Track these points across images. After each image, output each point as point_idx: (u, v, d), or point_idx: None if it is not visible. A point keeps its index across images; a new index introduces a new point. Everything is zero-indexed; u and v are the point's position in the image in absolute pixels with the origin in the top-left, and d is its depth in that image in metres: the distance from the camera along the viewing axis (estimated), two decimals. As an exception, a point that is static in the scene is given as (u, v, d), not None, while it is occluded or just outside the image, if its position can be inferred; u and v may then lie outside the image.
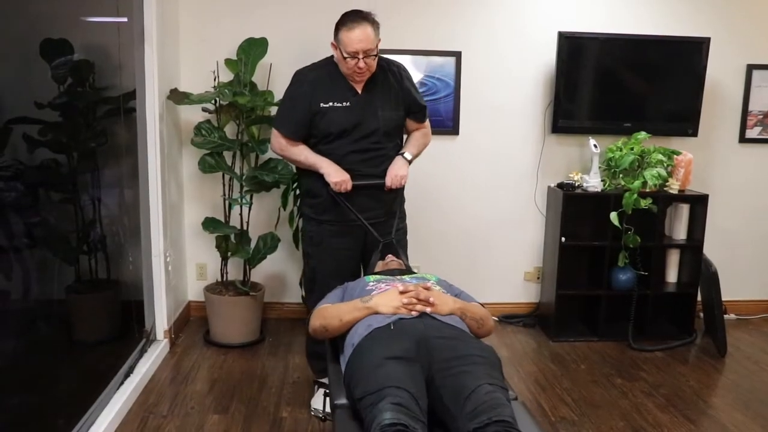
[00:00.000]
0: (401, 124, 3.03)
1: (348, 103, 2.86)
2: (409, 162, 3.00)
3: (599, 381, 3.54)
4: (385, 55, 3.04)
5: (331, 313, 2.27)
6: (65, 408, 2.91)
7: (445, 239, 4.28)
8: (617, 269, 4.05)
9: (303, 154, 2.93)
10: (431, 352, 1.96)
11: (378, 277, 2.48)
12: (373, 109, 2.90)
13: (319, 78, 2.90)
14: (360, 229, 2.97)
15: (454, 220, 4.28)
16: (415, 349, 1.96)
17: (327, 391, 2.98)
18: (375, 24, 2.79)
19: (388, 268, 2.68)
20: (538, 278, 4.41)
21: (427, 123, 3.14)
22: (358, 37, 2.72)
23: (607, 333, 4.08)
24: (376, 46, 2.79)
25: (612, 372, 3.66)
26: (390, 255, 2.82)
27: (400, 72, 3.00)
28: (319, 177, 2.91)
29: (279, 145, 2.97)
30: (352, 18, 2.76)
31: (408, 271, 2.69)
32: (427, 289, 2.23)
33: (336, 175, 2.85)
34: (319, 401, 3.05)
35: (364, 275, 2.58)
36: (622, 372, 3.66)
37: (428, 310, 2.16)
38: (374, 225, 2.94)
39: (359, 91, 2.90)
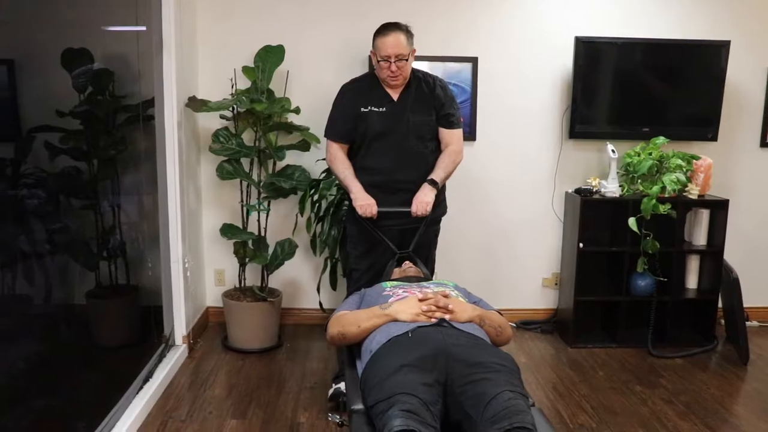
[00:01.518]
0: (433, 127, 3.17)
1: (384, 108, 3.11)
2: (437, 186, 3.10)
3: (618, 388, 3.51)
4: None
5: (349, 320, 2.28)
6: (86, 411, 2.94)
7: (463, 245, 4.27)
8: (636, 275, 4.02)
9: (344, 173, 3.16)
10: (450, 361, 1.96)
11: (395, 283, 2.49)
12: (405, 114, 3.12)
13: (360, 87, 3.19)
14: (396, 230, 3.12)
15: (471, 225, 4.27)
16: (433, 357, 1.96)
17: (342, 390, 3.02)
18: (408, 33, 3.07)
19: (405, 275, 2.69)
20: (556, 284, 4.39)
21: (458, 139, 3.23)
22: (390, 42, 3.00)
23: (626, 339, 4.05)
24: (409, 53, 3.06)
25: (631, 379, 3.62)
26: (407, 262, 2.83)
27: (434, 81, 3.20)
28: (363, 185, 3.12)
29: (329, 155, 3.23)
30: (387, 26, 3.06)
31: (425, 278, 2.69)
32: (446, 296, 2.23)
33: (362, 199, 3.06)
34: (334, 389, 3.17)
35: (383, 281, 2.58)
36: (641, 379, 3.62)
37: (447, 317, 2.16)
38: (405, 230, 3.11)
39: (395, 99, 3.13)
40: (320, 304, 4.04)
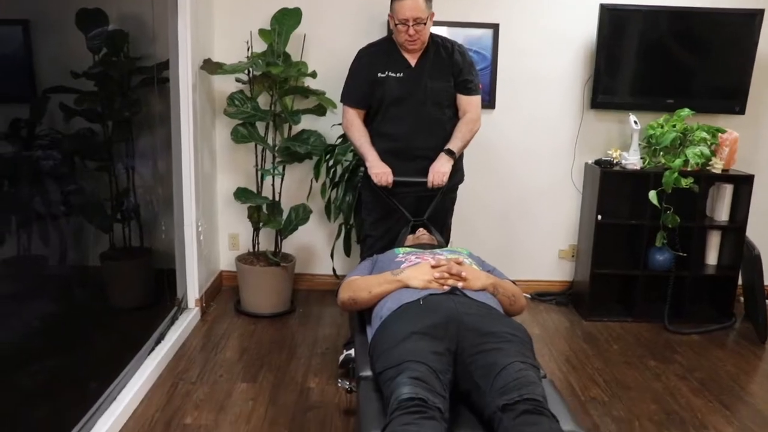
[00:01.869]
0: (451, 94, 3.11)
1: (401, 74, 3.05)
2: (454, 156, 3.05)
3: (632, 362, 3.47)
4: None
5: (360, 285, 2.25)
6: (98, 371, 2.96)
7: (479, 214, 4.22)
8: (655, 249, 3.96)
9: (359, 140, 3.10)
10: (461, 329, 1.92)
11: (408, 249, 2.46)
12: (423, 79, 3.05)
13: (377, 52, 3.12)
14: (412, 198, 3.08)
15: (488, 194, 4.21)
16: (444, 326, 1.93)
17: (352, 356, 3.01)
18: None
19: (419, 242, 2.65)
20: (573, 256, 4.34)
21: (476, 106, 3.16)
22: (408, 5, 2.91)
23: (642, 314, 4.00)
24: (428, 17, 2.96)
25: (646, 354, 3.58)
26: (421, 229, 2.80)
27: (453, 47, 3.12)
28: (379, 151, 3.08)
29: (345, 121, 3.16)
30: None
31: (439, 245, 2.65)
32: (459, 263, 2.19)
33: (377, 168, 3.00)
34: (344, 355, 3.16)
35: (396, 247, 2.55)
36: (656, 354, 3.58)
37: (460, 284, 2.12)
38: (421, 198, 3.07)
39: (413, 65, 3.06)
40: (333, 270, 4.02)
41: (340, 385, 2.88)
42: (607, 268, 4.02)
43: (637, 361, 3.49)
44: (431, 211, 3.01)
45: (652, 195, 3.74)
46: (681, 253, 3.90)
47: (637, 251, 4.01)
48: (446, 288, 2.11)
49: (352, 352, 3.05)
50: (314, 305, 4.08)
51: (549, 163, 4.20)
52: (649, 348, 3.66)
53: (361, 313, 2.38)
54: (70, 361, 2.87)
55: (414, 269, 2.18)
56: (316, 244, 4.28)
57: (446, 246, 2.76)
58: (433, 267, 2.16)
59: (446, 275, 2.13)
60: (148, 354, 3.15)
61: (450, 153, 3.04)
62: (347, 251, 3.95)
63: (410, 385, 1.71)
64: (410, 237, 2.79)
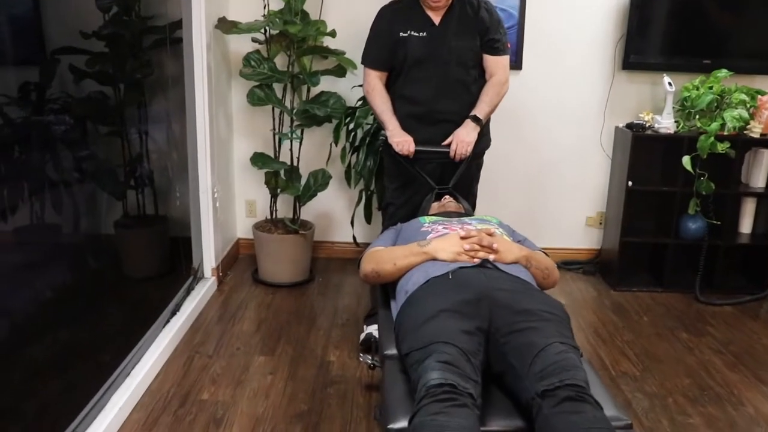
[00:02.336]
0: (477, 54, 2.93)
1: (425, 33, 2.87)
2: (481, 123, 2.89)
3: (663, 334, 3.35)
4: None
5: (383, 256, 2.12)
6: (112, 343, 2.89)
7: (504, 178, 4.06)
8: (687, 217, 3.80)
9: (381, 107, 2.94)
10: (494, 306, 1.79)
11: (434, 218, 2.31)
12: (447, 39, 2.88)
13: (399, 10, 2.93)
14: (436, 164, 2.94)
15: (514, 158, 4.05)
16: (475, 302, 1.79)
17: (373, 335, 2.90)
18: None
19: (444, 211, 2.52)
20: (601, 223, 4.19)
21: (504, 67, 2.97)
22: None
23: (673, 284, 3.87)
24: None
25: (677, 325, 3.45)
26: (447, 196, 2.65)
27: (479, 3, 2.95)
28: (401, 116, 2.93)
29: (366, 85, 2.99)
30: None
31: (466, 213, 2.51)
32: (491, 234, 2.05)
33: (398, 136, 2.85)
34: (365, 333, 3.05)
35: (420, 216, 2.40)
36: (687, 326, 3.45)
37: (491, 257, 1.99)
38: (445, 164, 2.90)
39: (436, 23, 2.89)
40: (354, 237, 3.91)
41: (362, 359, 2.77)
42: (636, 236, 3.88)
43: (669, 333, 3.37)
44: (457, 179, 2.86)
45: (686, 160, 3.58)
46: (715, 221, 3.74)
47: (668, 219, 3.85)
48: (476, 261, 1.97)
49: (373, 329, 2.95)
50: (334, 274, 3.97)
51: (577, 126, 4.03)
52: (680, 319, 3.53)
53: (384, 286, 2.25)
54: (84, 333, 2.80)
55: (442, 240, 2.03)
56: (335, 211, 4.15)
57: (473, 214, 2.61)
58: (463, 238, 2.01)
59: (477, 247, 1.99)
60: (164, 326, 3.06)
61: (476, 120, 2.88)
62: (368, 218, 3.83)
63: (439, 369, 1.58)
64: (435, 205, 2.65)
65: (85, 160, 3.10)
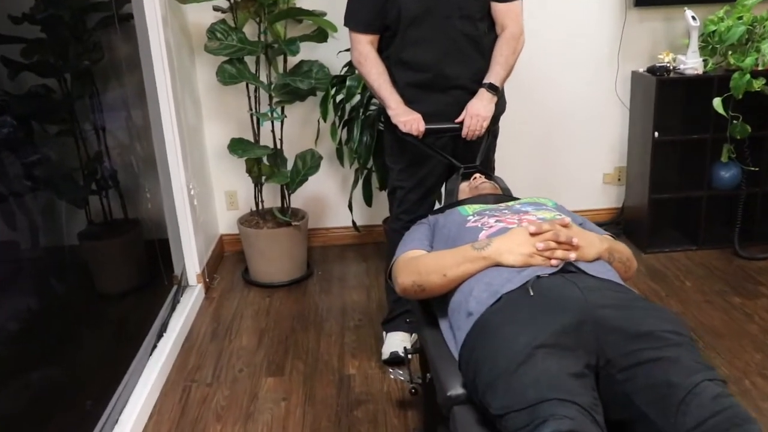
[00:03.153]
0: (484, 2, 2.42)
1: None
2: (497, 92, 2.44)
3: (713, 301, 2.99)
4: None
5: (428, 264, 1.66)
6: (93, 382, 2.46)
7: (512, 137, 3.60)
8: (720, 165, 3.43)
9: (377, 80, 2.46)
10: (600, 332, 1.34)
11: (477, 207, 1.85)
12: None
13: None
14: (447, 138, 2.49)
15: (521, 115, 3.57)
16: (575, 328, 1.34)
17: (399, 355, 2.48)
18: None
19: (479, 194, 2.07)
20: (620, 180, 3.80)
21: (516, 15, 2.48)
22: None
23: (708, 240, 3.52)
24: None
25: (725, 288, 3.10)
26: (477, 175, 2.21)
27: None
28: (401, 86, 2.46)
29: (356, 54, 2.49)
30: None
31: (507, 196, 2.07)
32: (565, 225, 1.59)
33: (404, 115, 2.40)
34: (390, 347, 2.59)
35: (458, 206, 1.94)
36: (736, 288, 3.10)
37: (572, 256, 1.55)
38: (458, 137, 2.44)
39: None
40: (353, 223, 3.47)
41: (393, 376, 2.38)
42: (664, 191, 3.50)
43: (719, 299, 3.01)
44: (483, 155, 2.42)
45: (717, 103, 3.18)
46: (752, 168, 3.37)
47: (698, 170, 3.47)
48: (555, 264, 1.53)
49: (397, 341, 2.54)
50: (334, 264, 3.54)
51: (589, 75, 3.61)
52: (726, 281, 3.18)
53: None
54: (56, 373, 2.37)
55: (505, 239, 1.57)
56: (328, 194, 3.70)
57: (512, 195, 2.16)
58: (533, 234, 1.56)
59: (552, 245, 1.54)
60: (151, 352, 2.62)
61: (492, 89, 2.41)
62: (368, 200, 3.38)
63: None
64: (464, 186, 2.20)
65: (35, 166, 2.70)
